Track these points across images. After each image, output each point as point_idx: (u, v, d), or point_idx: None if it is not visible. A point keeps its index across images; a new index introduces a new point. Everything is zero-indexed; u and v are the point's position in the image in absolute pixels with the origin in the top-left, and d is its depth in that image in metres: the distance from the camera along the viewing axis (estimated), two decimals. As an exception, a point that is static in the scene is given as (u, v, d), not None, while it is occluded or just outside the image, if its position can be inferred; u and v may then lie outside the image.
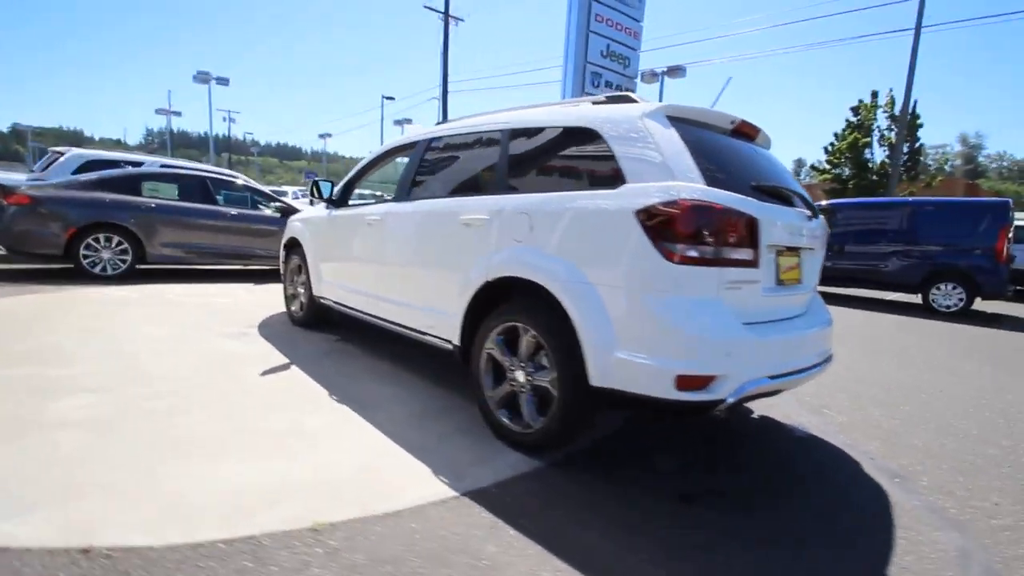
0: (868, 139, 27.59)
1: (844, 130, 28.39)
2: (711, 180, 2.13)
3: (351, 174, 4.28)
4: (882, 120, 27.19)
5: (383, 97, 39.79)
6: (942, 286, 8.08)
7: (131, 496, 1.98)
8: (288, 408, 2.91)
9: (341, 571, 1.65)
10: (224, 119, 50.48)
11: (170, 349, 3.82)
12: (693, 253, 2.05)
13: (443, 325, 3.03)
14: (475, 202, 2.85)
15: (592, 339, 2.21)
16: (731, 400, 2.08)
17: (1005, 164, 73.91)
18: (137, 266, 6.73)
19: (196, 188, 7.46)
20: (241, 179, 9.21)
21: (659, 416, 3.01)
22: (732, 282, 2.15)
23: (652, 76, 20.54)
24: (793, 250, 2.48)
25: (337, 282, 4.15)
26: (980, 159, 71.26)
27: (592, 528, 1.98)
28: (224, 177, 8.57)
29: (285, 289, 5.05)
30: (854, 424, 3.26)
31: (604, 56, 18.87)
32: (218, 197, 7.56)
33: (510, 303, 2.64)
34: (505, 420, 2.65)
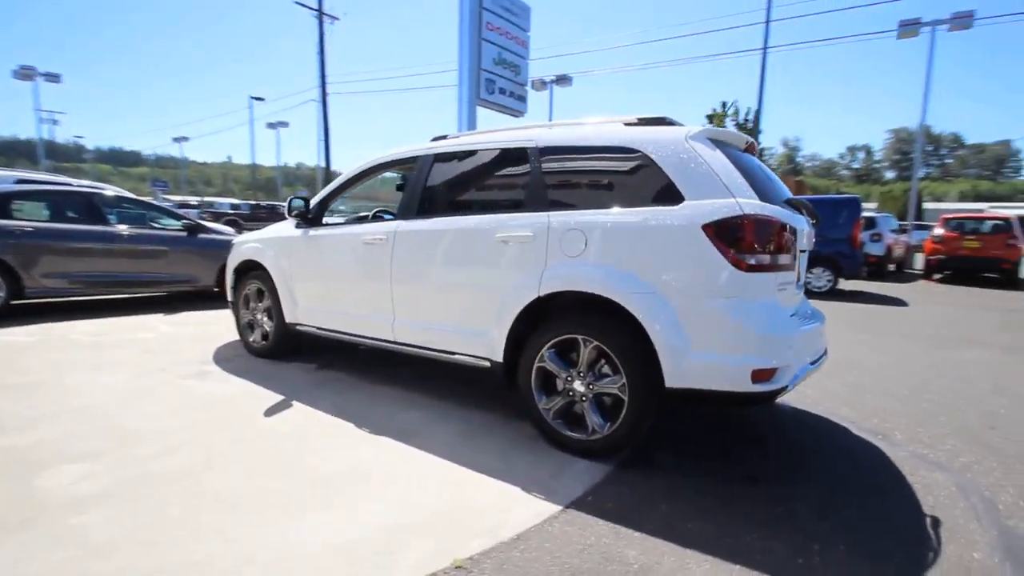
0: (721, 144, 31.29)
1: (701, 136, 32.00)
2: (761, 196, 2.42)
3: (328, 190, 4.01)
4: (731, 126, 31.11)
5: (251, 98, 36.64)
6: (815, 270, 9.61)
7: (234, 573, 1.75)
8: (322, 448, 2.70)
9: (520, 602, 1.64)
10: (43, 120, 42.71)
11: (136, 398, 3.30)
12: (756, 261, 2.32)
13: (478, 343, 3.01)
14: (514, 219, 2.88)
15: (667, 344, 2.39)
16: (791, 387, 2.39)
17: (817, 163, 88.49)
18: (12, 302, 5.58)
19: (81, 206, 6.37)
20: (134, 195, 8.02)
21: (725, 407, 3.22)
22: (781, 284, 2.47)
23: (541, 84, 21.45)
24: (802, 252, 2.89)
25: (322, 307, 3.87)
26: (798, 159, 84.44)
27: (694, 518, 2.16)
28: (116, 194, 7.42)
29: (238, 318, 4.55)
30: (824, 398, 3.81)
31: (496, 63, 19.33)
32: (109, 216, 6.52)
33: (564, 316, 2.72)
34: (565, 430, 2.73)
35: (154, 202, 7.82)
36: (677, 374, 2.39)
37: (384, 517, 2.08)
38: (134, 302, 6.76)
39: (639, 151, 2.63)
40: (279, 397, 3.41)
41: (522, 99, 21.77)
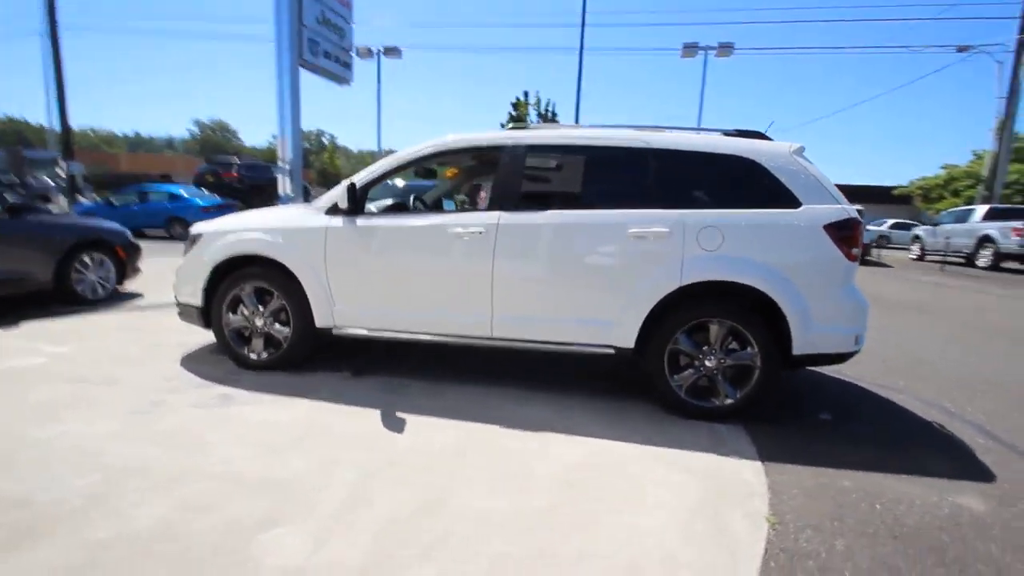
0: (525, 130, 33.78)
1: (507, 123, 34.17)
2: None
3: (373, 174, 3.49)
4: (534, 115, 33.86)
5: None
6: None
7: None
8: (511, 453, 2.58)
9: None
10: None
11: (196, 440, 2.53)
12: (856, 252, 3.04)
13: (601, 333, 3.16)
14: (646, 216, 3.08)
15: (797, 321, 2.97)
16: (861, 348, 3.20)
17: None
18: None
19: None
20: None
21: (826, 365, 3.37)
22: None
23: (368, 53, 20.13)
24: None
25: (377, 308, 3.41)
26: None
27: (832, 448, 2.81)
28: None
29: (224, 325, 3.64)
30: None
31: (320, 23, 17.70)
32: None
33: (697, 303, 3.08)
34: (695, 401, 3.13)
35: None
36: (803, 344, 3.00)
37: (668, 503, 2.21)
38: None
39: (753, 160, 3.11)
40: (369, 412, 2.99)
41: (348, 66, 20.27)
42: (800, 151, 3.18)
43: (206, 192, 15.61)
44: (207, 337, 4.27)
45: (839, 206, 3.03)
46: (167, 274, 7.81)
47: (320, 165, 54.11)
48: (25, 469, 2.21)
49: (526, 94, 33.81)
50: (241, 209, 16.35)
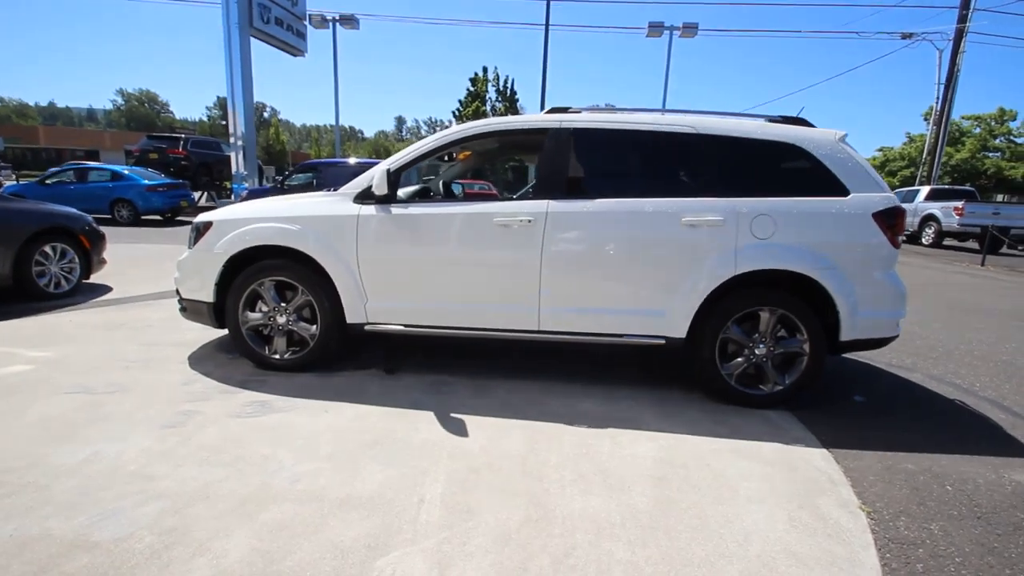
0: (485, 108, 33.22)
1: (466, 97, 33.43)
2: (886, 190, 3.21)
3: (403, 159, 3.25)
4: (492, 92, 33.21)
5: None
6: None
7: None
8: (576, 463, 2.51)
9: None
10: None
11: (252, 462, 2.31)
12: (900, 239, 3.11)
13: (652, 323, 3.12)
14: (699, 204, 3.03)
15: (847, 307, 3.02)
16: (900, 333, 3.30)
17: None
18: None
19: None
20: None
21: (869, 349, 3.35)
22: (894, 255, 3.32)
23: (322, 21, 18.97)
24: None
25: (415, 302, 3.22)
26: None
27: (883, 432, 2.92)
28: None
29: (241, 323, 3.35)
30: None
31: (272, -12, 16.49)
32: None
33: (748, 292, 3.08)
34: (745, 389, 3.16)
35: None
36: (850, 329, 3.06)
37: (762, 496, 2.21)
38: None
39: (800, 147, 3.10)
40: (423, 415, 2.83)
41: (301, 36, 19.30)
42: (844, 138, 3.20)
43: (150, 171, 14.43)
44: (205, 333, 3.96)
45: (886, 194, 3.08)
46: (130, 263, 7.25)
47: (264, 141, 51.31)
48: (69, 502, 1.94)
49: (485, 69, 33.18)
50: (191, 189, 15.34)
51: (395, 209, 3.19)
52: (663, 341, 3.14)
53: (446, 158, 4.32)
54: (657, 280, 3.10)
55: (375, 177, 3.11)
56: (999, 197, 29.12)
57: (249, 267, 3.30)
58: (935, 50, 20.12)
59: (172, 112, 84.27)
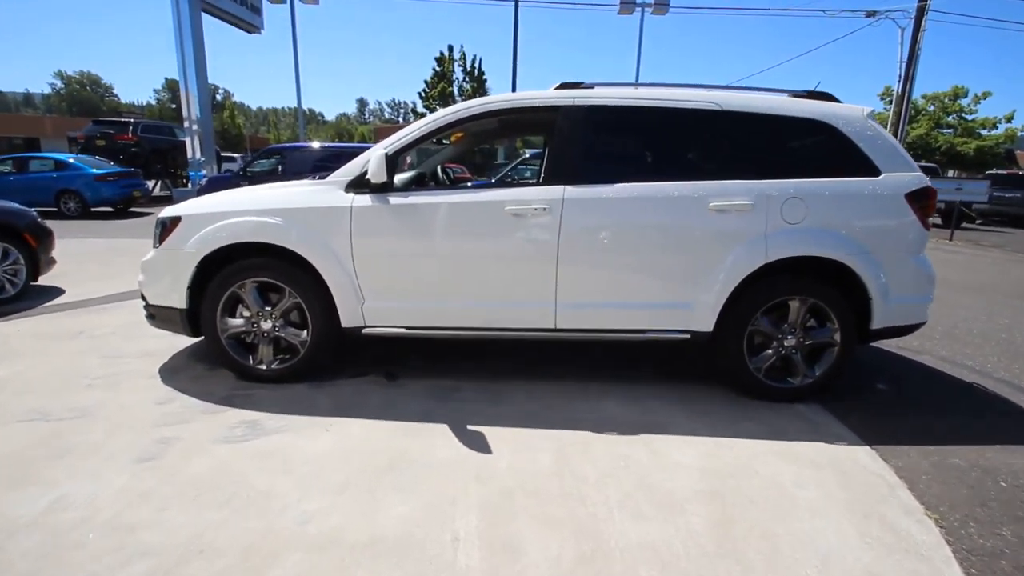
0: (451, 88, 32.35)
1: (432, 77, 32.48)
2: (913, 169, 3.05)
3: (401, 141, 2.90)
4: (459, 72, 32.35)
5: None
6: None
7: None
8: (617, 479, 2.29)
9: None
10: None
11: (251, 499, 1.99)
12: (931, 220, 2.96)
13: (676, 317, 2.91)
14: (727, 187, 2.80)
15: (879, 294, 2.87)
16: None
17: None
18: None
19: None
20: None
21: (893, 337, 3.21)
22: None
23: (279, -3, 17.87)
24: None
25: (418, 301, 2.91)
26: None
27: (925, 424, 2.81)
28: None
29: (220, 331, 2.97)
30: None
31: (222, -41, 15.51)
32: None
33: (777, 280, 2.89)
34: (774, 383, 2.99)
35: None
36: (882, 317, 2.92)
37: (821, 507, 2.04)
38: None
39: (829, 124, 2.90)
40: (437, 429, 2.56)
41: (257, 11, 18.25)
42: (872, 114, 3.02)
43: (98, 159, 13.41)
44: (174, 340, 3.56)
45: (916, 174, 2.92)
46: (83, 260, 6.63)
47: (220, 126, 48.96)
48: (30, 572, 1.60)
49: (451, 48, 32.25)
50: (144, 177, 14.36)
51: (393, 198, 2.85)
52: (688, 336, 2.94)
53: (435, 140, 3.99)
54: (683, 270, 2.88)
55: (371, 163, 2.76)
56: (950, 172, 30.27)
57: (227, 267, 2.92)
58: (897, 29, 20.52)
59: (117, 96, 79.40)
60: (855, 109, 2.99)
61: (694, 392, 3.10)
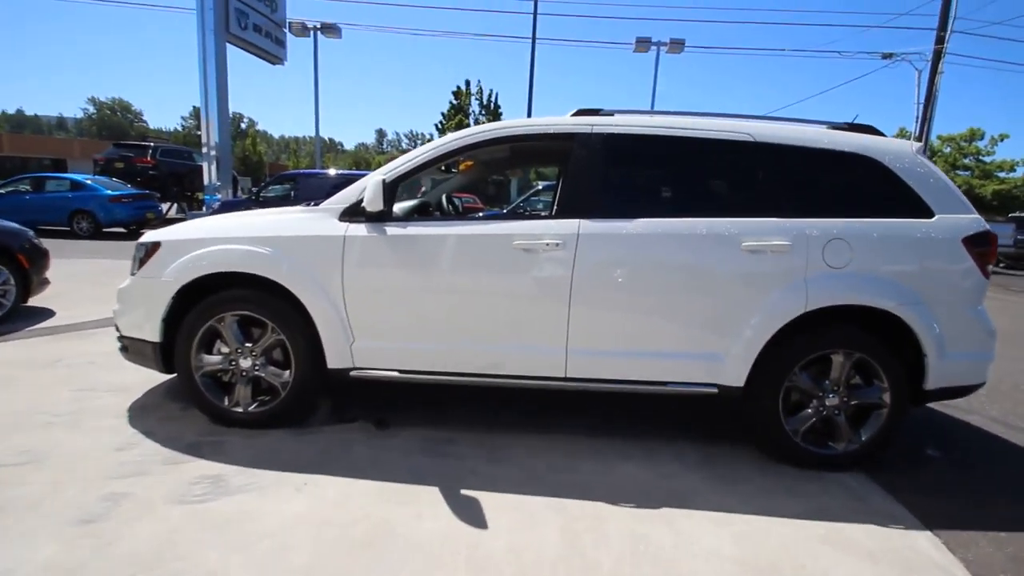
0: (468, 121, 32.86)
1: (448, 110, 33.06)
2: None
3: (401, 168, 2.67)
4: (476, 105, 32.88)
5: None
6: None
7: None
8: (639, 568, 1.93)
9: None
10: None
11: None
12: (990, 268, 2.64)
13: (703, 368, 2.58)
14: (761, 226, 2.51)
15: (933, 349, 2.52)
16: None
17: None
18: None
19: None
20: None
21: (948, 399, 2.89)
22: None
23: (303, 30, 18.36)
24: None
25: (413, 341, 2.62)
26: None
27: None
28: None
29: (195, 368, 2.70)
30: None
31: (249, -8, 15.90)
32: None
33: (818, 331, 2.56)
34: (812, 447, 2.62)
35: None
36: (937, 376, 2.56)
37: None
38: None
39: (875, 159, 2.62)
40: (426, 493, 2.22)
41: (281, 43, 18.69)
42: (920, 150, 2.73)
43: (115, 180, 13.54)
44: (154, 373, 3.25)
45: (974, 216, 2.61)
46: (82, 281, 6.46)
47: (241, 152, 50.18)
48: None
49: (468, 83, 32.87)
50: (159, 200, 14.46)
51: (391, 229, 2.60)
52: (716, 390, 2.60)
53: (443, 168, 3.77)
54: (712, 317, 2.56)
55: (367, 190, 2.52)
56: (971, 215, 29.85)
57: (206, 299, 2.67)
58: (914, 71, 20.46)
59: (146, 122, 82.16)
60: (904, 144, 2.71)
61: (719, 454, 2.74)
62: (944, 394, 2.65)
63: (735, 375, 2.57)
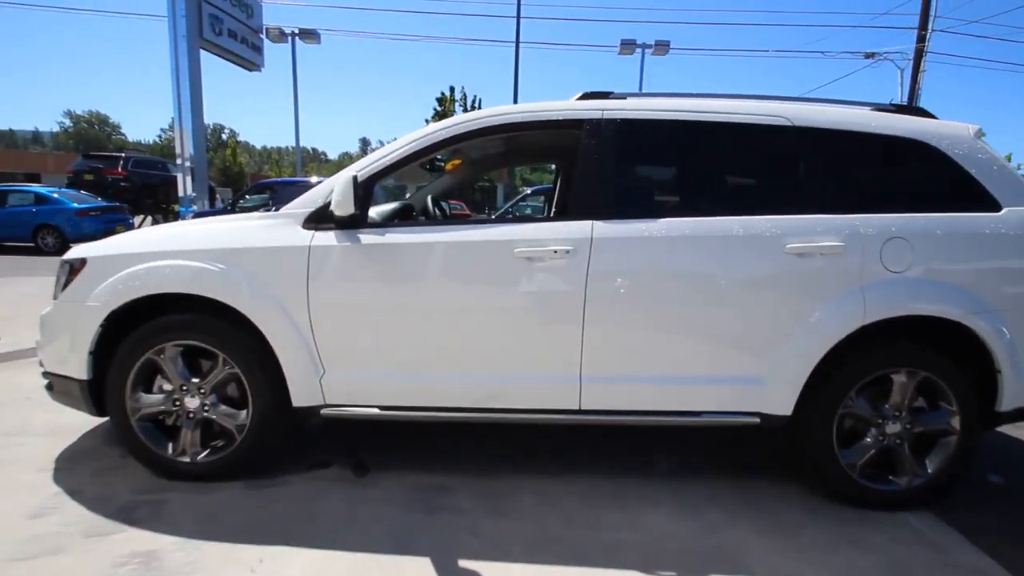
0: (452, 127, 32.50)
1: (433, 117, 32.68)
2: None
3: (378, 163, 2.24)
4: (460, 111, 32.56)
5: None
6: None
7: None
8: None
9: None
10: None
11: None
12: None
13: (750, 396, 2.17)
14: (809, 223, 2.11)
15: (1009, 364, 2.14)
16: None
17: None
18: None
19: None
20: None
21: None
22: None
23: (280, 35, 17.86)
24: None
25: (407, 373, 2.18)
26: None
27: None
28: None
29: (130, 411, 2.22)
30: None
31: (224, -2, 15.43)
32: None
33: (881, 346, 2.17)
34: (872, 484, 2.23)
35: None
36: (1013, 395, 2.18)
37: None
38: None
39: (932, 145, 2.24)
40: (417, 565, 1.77)
41: (258, 49, 18.13)
42: (979, 133, 2.37)
43: (84, 193, 12.90)
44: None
45: (1047, 207, 2.24)
46: (35, 302, 5.90)
47: (221, 163, 49.24)
48: None
49: (452, 89, 32.55)
50: (130, 213, 13.83)
51: (366, 236, 2.15)
52: (758, 420, 2.19)
53: (428, 167, 3.34)
54: (751, 334, 2.15)
55: (336, 190, 2.07)
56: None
57: (143, 326, 2.20)
58: (896, 70, 20.53)
59: (124, 134, 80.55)
60: (960, 127, 2.34)
61: (760, 490, 2.33)
62: (1021, 415, 2.27)
63: (781, 402, 2.16)
